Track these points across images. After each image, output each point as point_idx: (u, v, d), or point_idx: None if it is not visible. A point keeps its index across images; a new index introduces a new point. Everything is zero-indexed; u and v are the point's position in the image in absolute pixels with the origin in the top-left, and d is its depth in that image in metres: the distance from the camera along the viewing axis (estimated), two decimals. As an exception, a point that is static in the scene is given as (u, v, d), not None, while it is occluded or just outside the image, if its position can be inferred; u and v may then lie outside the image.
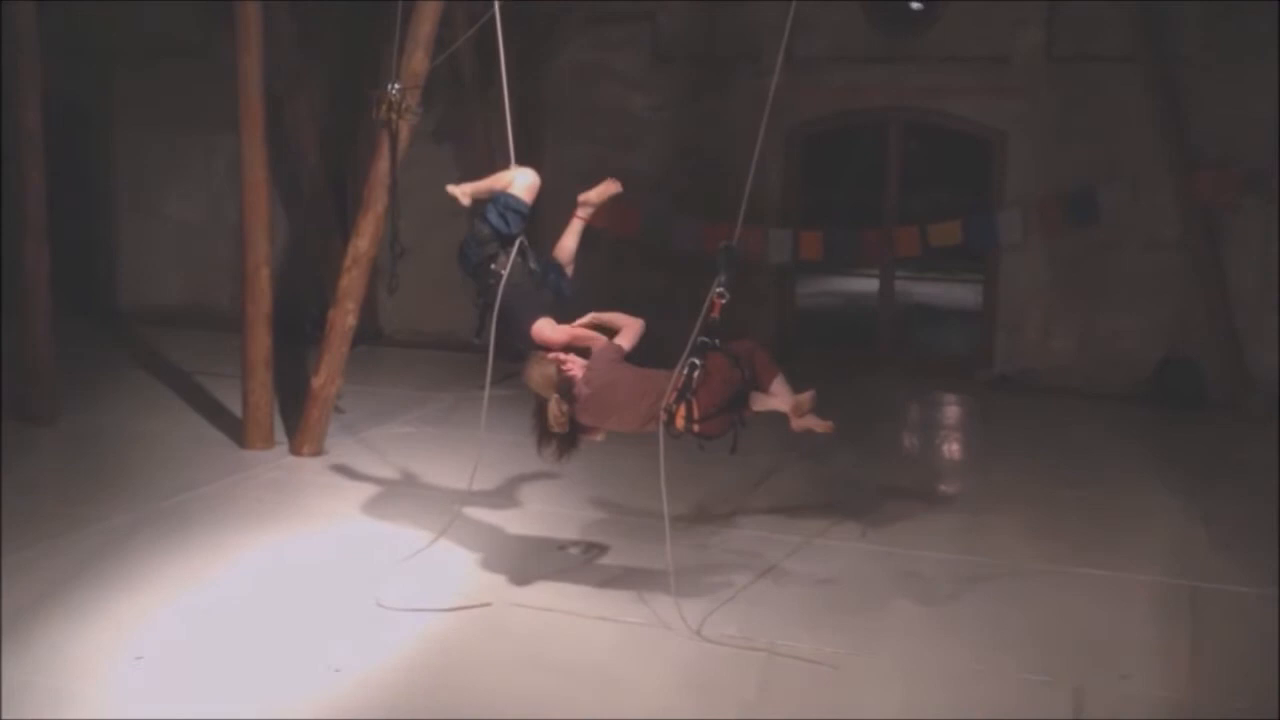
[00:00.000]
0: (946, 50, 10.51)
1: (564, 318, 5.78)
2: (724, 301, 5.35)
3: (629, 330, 5.68)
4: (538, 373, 5.57)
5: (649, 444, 5.69)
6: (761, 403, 5.52)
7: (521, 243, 5.79)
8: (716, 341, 5.40)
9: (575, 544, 6.31)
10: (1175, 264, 10.12)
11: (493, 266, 5.75)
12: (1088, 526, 6.99)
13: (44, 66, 8.45)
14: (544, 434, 5.66)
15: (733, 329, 5.47)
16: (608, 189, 6.00)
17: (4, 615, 5.36)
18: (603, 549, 6.43)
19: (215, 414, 8.98)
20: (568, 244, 6.03)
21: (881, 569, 6.25)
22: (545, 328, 5.69)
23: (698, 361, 5.36)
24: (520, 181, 5.85)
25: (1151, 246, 10.19)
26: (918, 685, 4.99)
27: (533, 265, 5.84)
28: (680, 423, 5.37)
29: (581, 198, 6.01)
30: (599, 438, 5.78)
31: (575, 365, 5.59)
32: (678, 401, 5.34)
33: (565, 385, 5.53)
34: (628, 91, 11.25)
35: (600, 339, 5.64)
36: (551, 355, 5.62)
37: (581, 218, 6.01)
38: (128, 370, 10.43)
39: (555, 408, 5.52)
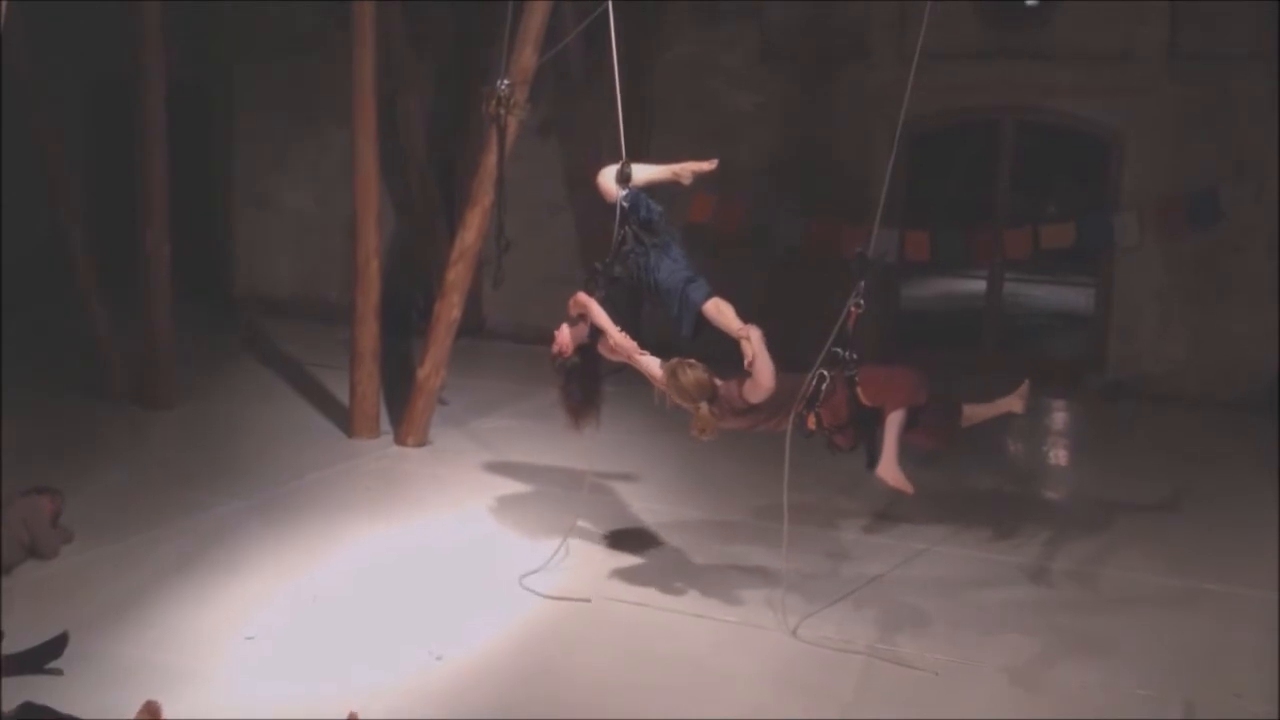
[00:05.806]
0: (1062, 47, 10.25)
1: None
2: (860, 311, 5.18)
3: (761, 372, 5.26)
4: (690, 377, 5.21)
5: (749, 445, 5.66)
6: (983, 413, 5.50)
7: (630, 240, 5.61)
8: (852, 355, 5.26)
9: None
10: (1297, 269, 9.73)
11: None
12: (1202, 539, 6.77)
13: (168, 59, 8.72)
14: (572, 403, 5.64)
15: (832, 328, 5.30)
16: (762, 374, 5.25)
17: (123, 596, 5.58)
18: (690, 551, 6.43)
19: (323, 403, 9.17)
20: (712, 316, 5.40)
21: (990, 578, 6.15)
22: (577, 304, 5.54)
23: (826, 373, 5.25)
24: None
25: (1273, 250, 9.82)
26: (1023, 695, 4.90)
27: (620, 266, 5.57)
28: (812, 423, 5.32)
29: (748, 345, 5.22)
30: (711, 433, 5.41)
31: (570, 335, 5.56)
32: (806, 410, 5.27)
33: (714, 390, 5.26)
34: (734, 87, 11.19)
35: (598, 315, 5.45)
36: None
37: (740, 335, 5.28)
38: (241, 357, 10.71)
39: (708, 414, 5.20)
